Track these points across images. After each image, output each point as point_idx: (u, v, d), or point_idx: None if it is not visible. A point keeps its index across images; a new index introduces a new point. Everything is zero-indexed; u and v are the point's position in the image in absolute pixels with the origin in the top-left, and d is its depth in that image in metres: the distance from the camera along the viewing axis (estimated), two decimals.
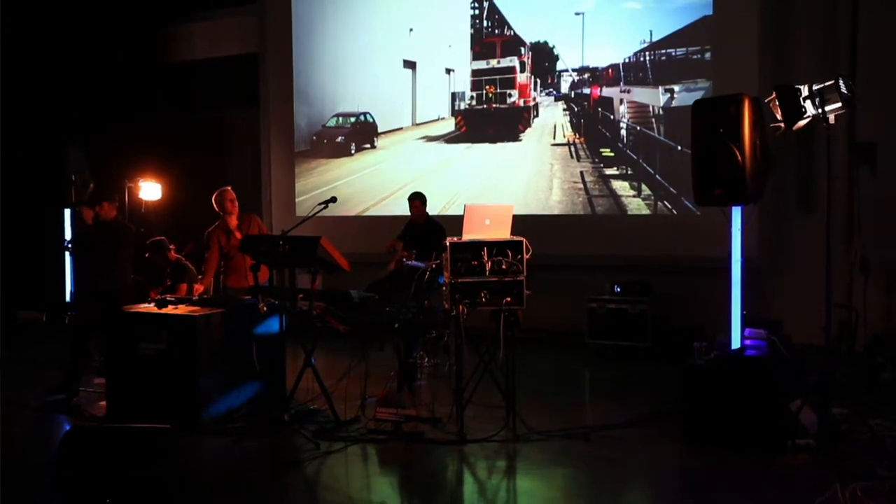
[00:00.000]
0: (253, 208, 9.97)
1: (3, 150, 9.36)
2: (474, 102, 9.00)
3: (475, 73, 8.99)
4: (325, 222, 6.39)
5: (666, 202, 8.04)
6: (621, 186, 8.26)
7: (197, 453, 4.77)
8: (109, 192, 6.67)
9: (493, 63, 8.91)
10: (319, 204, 5.58)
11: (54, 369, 6.38)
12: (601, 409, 5.96)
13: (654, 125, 8.01)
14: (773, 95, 4.80)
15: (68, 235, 8.06)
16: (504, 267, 5.01)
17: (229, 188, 6.63)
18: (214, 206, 6.55)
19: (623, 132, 8.23)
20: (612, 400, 6.14)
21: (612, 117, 8.31)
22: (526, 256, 5.05)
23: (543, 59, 8.62)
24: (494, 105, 8.89)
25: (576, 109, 8.53)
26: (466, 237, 5.10)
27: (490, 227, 5.15)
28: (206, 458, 4.79)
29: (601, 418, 5.51)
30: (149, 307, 5.65)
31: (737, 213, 5.06)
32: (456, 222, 5.30)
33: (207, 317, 5.35)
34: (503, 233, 5.17)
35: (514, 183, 8.71)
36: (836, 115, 4.68)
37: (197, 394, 5.25)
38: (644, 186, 8.17)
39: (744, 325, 5.08)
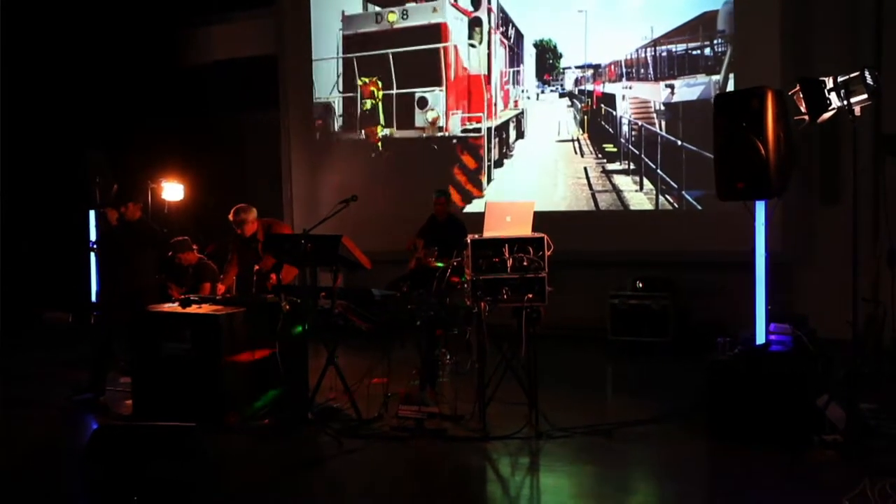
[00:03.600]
0: (274, 208, 10.07)
1: (27, 153, 9.50)
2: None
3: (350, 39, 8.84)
4: (345, 220, 6.41)
5: (667, 196, 8.11)
6: (623, 182, 8.33)
7: (221, 452, 4.80)
8: (134, 194, 6.74)
9: (395, 18, 9.08)
10: (340, 202, 5.60)
11: (81, 369, 6.46)
12: (624, 406, 5.93)
13: (656, 120, 8.08)
14: (797, 88, 4.74)
15: (93, 237, 8.14)
16: (525, 264, 5.00)
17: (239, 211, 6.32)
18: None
19: (625, 128, 8.29)
20: (635, 396, 6.10)
21: (614, 113, 8.36)
22: (547, 253, 5.04)
23: (547, 56, 8.70)
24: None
25: (579, 106, 8.59)
26: (487, 234, 5.10)
27: (511, 224, 5.14)
28: (231, 456, 4.82)
29: (624, 415, 5.48)
30: (173, 307, 5.69)
31: (761, 207, 5.01)
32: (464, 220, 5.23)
33: (231, 316, 5.38)
34: (524, 229, 5.16)
35: (519, 180, 8.74)
36: (861, 107, 4.61)
37: (221, 393, 5.29)
38: (646, 181, 8.24)
39: (768, 320, 5.03)
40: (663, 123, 8.04)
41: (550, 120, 8.72)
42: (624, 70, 8.23)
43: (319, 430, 5.13)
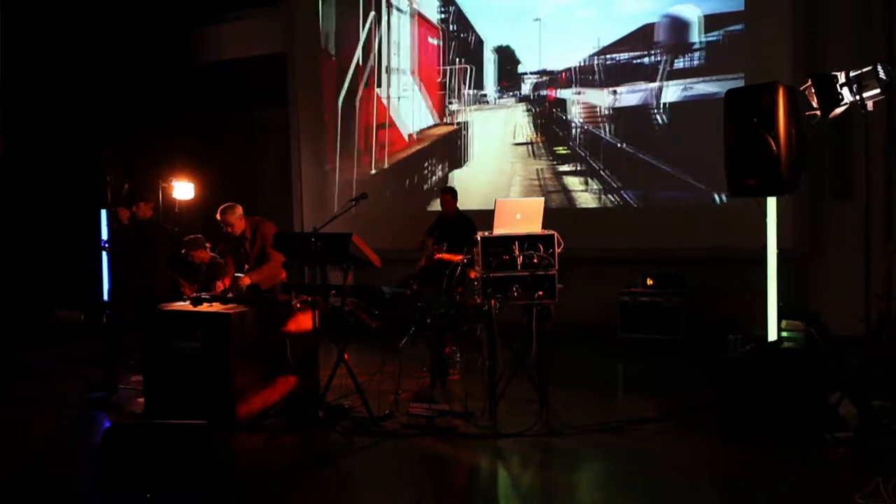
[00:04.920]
0: (284, 206, 10.10)
1: (40, 152, 9.56)
2: None
3: None
4: (355, 218, 6.43)
5: (611, 196, 8.52)
6: (572, 182, 8.75)
7: (232, 450, 4.82)
8: (146, 193, 6.76)
9: None
10: (350, 200, 5.62)
11: (93, 367, 6.50)
12: (635, 403, 5.92)
13: (602, 124, 8.53)
14: (809, 83, 4.72)
15: (105, 235, 8.18)
16: (536, 261, 5.00)
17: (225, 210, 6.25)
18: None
19: (575, 131, 8.71)
20: (646, 394, 6.09)
21: (565, 117, 8.77)
22: (558, 250, 5.03)
23: (506, 62, 9.13)
24: None
25: (535, 110, 8.99)
26: (497, 231, 5.10)
27: (521, 222, 5.14)
28: (242, 454, 4.84)
29: (635, 412, 5.46)
30: (184, 305, 5.71)
31: (772, 204, 4.99)
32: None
33: (242, 314, 5.40)
34: (534, 227, 5.15)
35: (477, 181, 9.08)
36: (874, 102, 4.58)
37: (232, 391, 5.31)
38: (592, 181, 8.65)
39: (780, 316, 5.00)
40: (609, 127, 8.47)
41: (509, 123, 9.14)
42: (575, 77, 8.68)
43: (330, 427, 5.14)
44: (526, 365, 5.25)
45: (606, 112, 8.47)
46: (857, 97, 4.54)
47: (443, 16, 9.45)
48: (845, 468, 4.28)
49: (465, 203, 7.28)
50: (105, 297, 8.31)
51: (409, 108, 9.69)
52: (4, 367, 6.37)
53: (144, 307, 5.84)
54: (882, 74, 4.45)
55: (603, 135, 8.48)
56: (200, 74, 10.63)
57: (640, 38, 8.23)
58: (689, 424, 5.12)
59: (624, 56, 8.32)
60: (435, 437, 4.98)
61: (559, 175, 8.78)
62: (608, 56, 8.42)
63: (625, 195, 8.40)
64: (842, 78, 4.58)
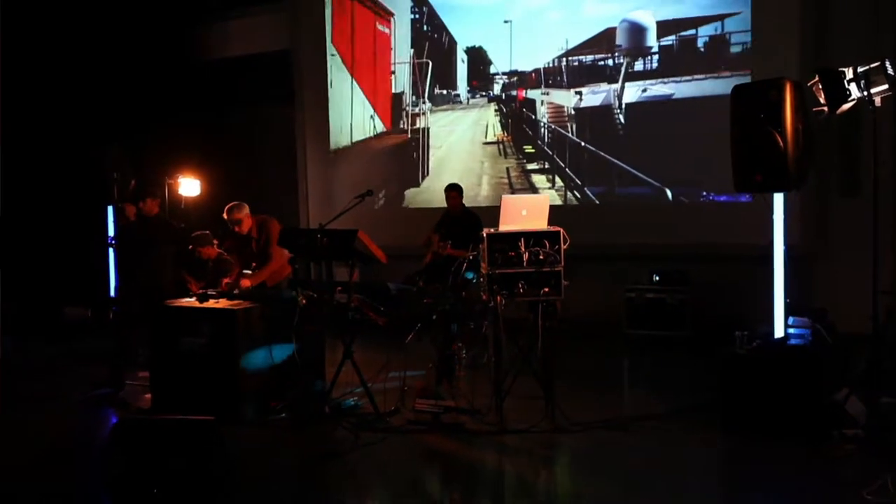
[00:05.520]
0: (290, 203, 10.10)
1: (46, 149, 9.58)
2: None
3: None
4: (361, 215, 6.41)
5: (575, 192, 8.76)
6: (539, 179, 8.99)
7: (238, 445, 4.83)
8: (152, 189, 6.77)
9: None
10: (356, 197, 5.62)
11: (100, 363, 6.52)
12: (641, 400, 5.92)
13: (567, 124, 8.77)
14: (816, 79, 4.70)
15: (112, 232, 8.19)
16: (541, 257, 4.99)
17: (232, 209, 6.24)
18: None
19: (543, 130, 8.93)
20: (652, 391, 6.08)
21: (533, 117, 9.00)
22: (563, 247, 5.02)
23: (478, 63, 9.37)
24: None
25: (505, 110, 9.22)
26: (503, 228, 5.09)
27: (527, 218, 5.13)
28: (248, 450, 4.85)
29: (641, 409, 5.46)
30: (191, 302, 5.73)
31: (779, 200, 4.97)
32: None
33: (248, 311, 5.41)
34: (540, 223, 5.15)
35: (447, 179, 9.04)
36: (882, 98, 4.56)
37: (238, 387, 5.32)
38: (557, 179, 8.88)
39: (787, 313, 4.99)
40: (574, 126, 8.72)
41: (480, 123, 9.38)
42: (542, 77, 8.91)
43: (336, 423, 5.15)
44: (531, 361, 5.25)
45: (572, 112, 8.71)
46: (865, 93, 4.52)
47: (415, 16, 9.61)
48: (853, 465, 4.26)
49: (435, 201, 7.32)
50: (112, 293, 8.31)
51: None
52: (12, 362, 6.39)
53: (151, 303, 5.86)
54: (890, 70, 4.44)
55: (568, 134, 8.72)
56: (206, 71, 10.64)
57: (604, 40, 8.51)
58: (694, 421, 5.11)
59: (589, 58, 8.59)
60: (441, 433, 4.99)
61: (526, 173, 9.04)
62: (573, 58, 8.69)
63: (587, 192, 8.64)
64: (849, 74, 4.56)
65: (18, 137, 9.48)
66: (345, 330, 5.54)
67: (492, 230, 5.10)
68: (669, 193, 8.15)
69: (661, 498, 4.06)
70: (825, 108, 4.70)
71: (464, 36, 9.38)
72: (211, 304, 5.57)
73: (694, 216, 8.04)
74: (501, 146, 9.19)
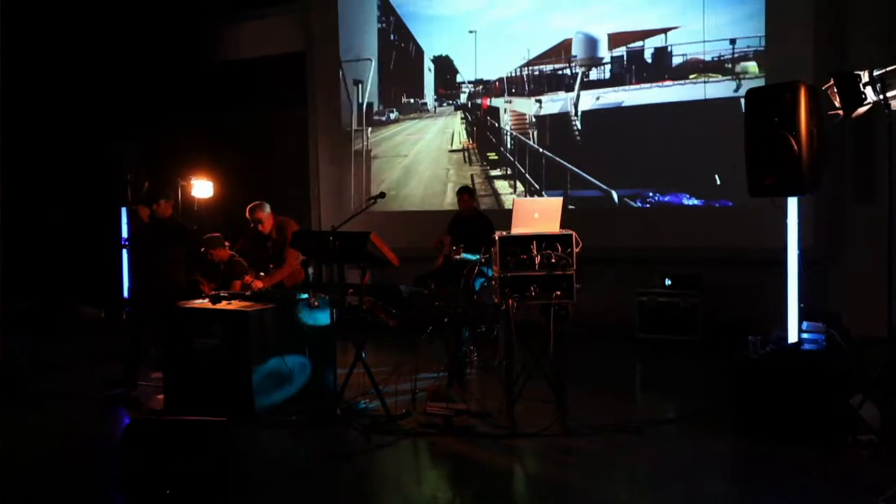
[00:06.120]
0: (302, 204, 10.13)
1: (60, 151, 9.65)
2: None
3: None
4: (373, 217, 6.44)
5: (535, 197, 8.89)
6: (502, 185, 9.25)
7: (250, 446, 4.85)
8: (166, 191, 6.81)
9: None
10: (368, 199, 5.63)
11: (113, 364, 6.56)
12: (653, 404, 5.89)
13: (529, 131, 9.03)
14: (831, 82, 4.67)
15: (125, 233, 8.25)
16: (553, 260, 4.98)
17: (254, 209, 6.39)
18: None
19: (506, 137, 9.21)
20: (664, 395, 6.06)
21: (497, 125, 9.26)
22: (576, 250, 5.01)
23: (445, 72, 9.61)
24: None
25: (470, 118, 9.46)
26: (515, 231, 5.09)
27: (539, 221, 5.12)
28: (259, 451, 4.87)
29: (653, 413, 5.44)
30: (203, 303, 5.75)
31: (793, 204, 4.94)
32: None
33: (260, 312, 5.43)
34: (552, 226, 5.14)
35: (411, 186, 9.45)
36: None
37: (250, 388, 5.34)
38: (518, 184, 9.16)
39: (801, 318, 4.96)
40: (535, 133, 8.97)
41: (446, 131, 9.63)
42: (506, 86, 9.19)
43: (347, 425, 5.16)
44: (543, 365, 5.24)
45: (533, 119, 8.99)
46: (881, 97, 4.49)
47: (382, 25, 9.89)
48: (868, 471, 4.23)
49: (406, 206, 7.32)
50: (125, 294, 8.37)
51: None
52: (25, 362, 6.44)
53: (164, 305, 5.89)
54: None
55: (529, 141, 9.01)
56: (220, 73, 10.69)
57: (562, 51, 8.78)
58: (707, 426, 5.09)
59: (549, 68, 8.86)
60: (452, 436, 4.98)
61: (490, 179, 9.32)
62: (534, 67, 8.96)
63: (546, 196, 8.82)
64: (865, 77, 4.53)
65: (34, 138, 9.56)
66: (356, 332, 5.54)
67: (504, 233, 5.09)
68: (616, 196, 8.47)
69: (675, 501, 4.04)
70: (840, 112, 4.66)
71: (431, 45, 9.64)
72: (223, 305, 5.59)
73: (707, 219, 8.01)
74: (466, 153, 9.48)
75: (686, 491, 4.14)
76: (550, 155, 8.85)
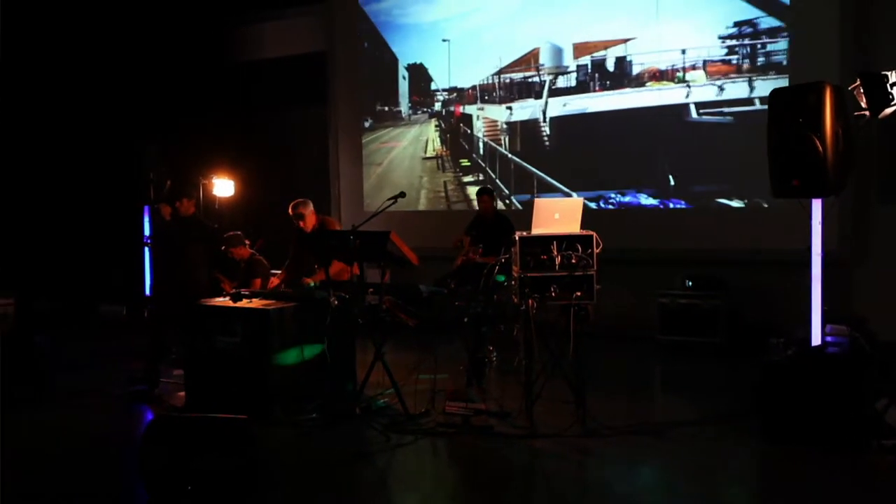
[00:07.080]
0: (322, 204, 10.16)
1: (84, 150, 9.76)
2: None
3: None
4: (393, 217, 6.44)
5: (506, 202, 9.13)
6: (472, 191, 9.17)
7: (270, 444, 4.87)
8: (188, 189, 6.86)
9: None
10: (388, 199, 5.64)
11: (135, 361, 6.62)
12: (673, 406, 5.85)
13: (501, 137, 9.23)
14: (858, 83, 4.61)
15: (147, 232, 8.32)
16: (574, 261, 4.96)
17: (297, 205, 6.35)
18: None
19: (478, 144, 9.38)
20: (685, 397, 6.01)
21: (469, 132, 9.45)
22: (596, 251, 4.99)
23: (420, 80, 9.76)
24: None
25: (444, 126, 9.62)
26: (535, 231, 5.07)
27: (559, 222, 5.11)
28: (279, 449, 4.89)
29: (673, 415, 5.40)
30: (224, 301, 5.79)
31: (817, 206, 4.88)
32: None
33: (280, 310, 5.45)
34: (573, 227, 5.12)
35: (385, 195, 9.41)
36: None
37: (270, 386, 5.37)
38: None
39: (824, 320, 4.90)
40: (506, 139, 9.17)
41: (420, 139, 9.80)
42: (479, 94, 9.37)
43: (367, 424, 5.17)
44: (563, 365, 5.22)
45: (504, 126, 9.18)
46: None
47: (358, 34, 10.10)
48: (893, 476, 4.17)
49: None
50: (147, 292, 8.45)
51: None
52: (49, 359, 6.52)
53: (185, 302, 5.93)
54: None
55: (500, 147, 9.19)
56: (242, 72, 10.76)
57: (531, 59, 8.95)
58: (729, 428, 5.05)
59: (519, 76, 9.05)
60: (471, 435, 4.97)
61: (462, 186, 9.50)
62: (505, 75, 9.15)
63: (513, 199, 9.08)
64: (892, 77, 4.47)
65: (57, 138, 9.68)
66: (376, 331, 5.56)
67: (524, 233, 5.08)
68: (576, 196, 8.53)
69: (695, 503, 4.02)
70: (866, 113, 4.60)
71: (405, 54, 9.82)
72: (244, 303, 5.62)
73: (729, 220, 7.94)
74: (440, 161, 9.65)
75: (707, 493, 4.11)
76: (518, 160, 9.05)
